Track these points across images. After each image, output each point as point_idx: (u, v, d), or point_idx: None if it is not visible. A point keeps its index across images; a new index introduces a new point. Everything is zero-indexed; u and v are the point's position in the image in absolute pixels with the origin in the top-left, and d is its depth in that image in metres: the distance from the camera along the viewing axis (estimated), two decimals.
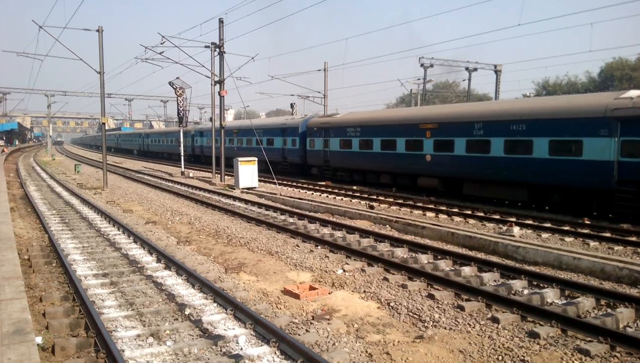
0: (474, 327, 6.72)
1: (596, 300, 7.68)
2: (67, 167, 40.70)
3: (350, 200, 20.08)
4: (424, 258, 10.42)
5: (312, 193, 22.54)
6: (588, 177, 14.99)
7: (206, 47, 26.90)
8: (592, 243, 11.91)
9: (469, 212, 16.31)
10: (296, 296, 7.93)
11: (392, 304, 7.64)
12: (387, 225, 14.15)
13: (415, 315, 7.19)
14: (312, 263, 10.03)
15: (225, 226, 14.15)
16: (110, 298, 7.82)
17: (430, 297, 7.93)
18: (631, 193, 14.07)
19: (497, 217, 15.53)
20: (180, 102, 32.55)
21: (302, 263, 10.08)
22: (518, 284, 8.58)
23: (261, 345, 5.97)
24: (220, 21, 25.90)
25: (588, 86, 60.07)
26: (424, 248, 10.93)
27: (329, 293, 8.18)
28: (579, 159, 15.19)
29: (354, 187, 23.77)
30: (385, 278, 8.93)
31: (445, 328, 6.71)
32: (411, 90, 49.86)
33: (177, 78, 31.83)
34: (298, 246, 11.62)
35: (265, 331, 6.16)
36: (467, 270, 9.47)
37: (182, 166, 34.41)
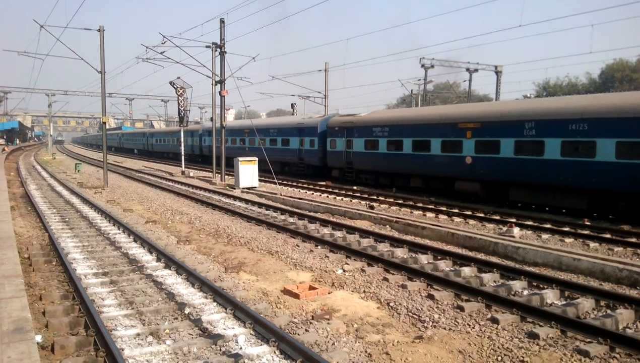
0: (473, 328, 6.72)
1: (596, 301, 7.67)
2: (68, 166, 40.73)
3: (351, 200, 20.08)
4: (424, 259, 10.42)
5: (312, 193, 22.55)
6: None
7: (207, 47, 26.94)
8: (592, 244, 11.91)
9: (469, 213, 16.31)
10: (296, 296, 7.93)
11: (391, 304, 7.64)
12: (387, 226, 14.15)
13: (414, 316, 7.19)
14: (312, 263, 10.04)
15: (226, 225, 14.16)
16: (110, 297, 7.82)
17: (430, 297, 7.93)
18: None
19: (497, 217, 15.53)
20: (181, 101, 32.59)
21: (302, 263, 10.08)
22: (518, 285, 8.58)
23: (261, 345, 5.98)
24: (222, 21, 25.91)
25: (588, 87, 60.08)
26: (424, 249, 10.93)
27: (329, 293, 8.18)
28: None
29: (354, 187, 23.76)
30: (385, 279, 8.93)
31: (444, 328, 6.71)
32: (412, 90, 49.88)
33: (178, 78, 31.89)
34: (298, 246, 11.63)
35: (264, 330, 6.17)
36: (467, 271, 9.47)
37: (183, 165, 34.45)
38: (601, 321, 6.78)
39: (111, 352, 5.39)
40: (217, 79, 26.59)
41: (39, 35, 39.95)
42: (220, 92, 26.72)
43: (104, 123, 26.34)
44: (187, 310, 7.17)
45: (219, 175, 27.37)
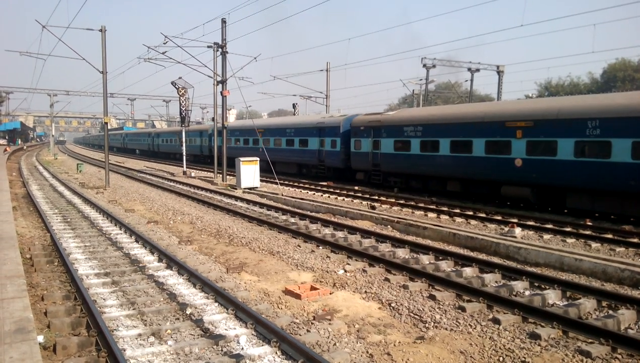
0: (475, 328, 6.71)
1: (597, 301, 7.66)
2: (70, 167, 40.79)
3: (352, 201, 20.08)
4: (426, 259, 10.41)
5: (314, 194, 22.55)
6: None
7: (209, 47, 26.95)
8: (594, 245, 11.89)
9: (471, 213, 16.30)
10: (297, 296, 7.94)
11: (393, 305, 7.63)
12: (389, 226, 14.15)
13: (416, 316, 7.18)
14: (314, 264, 10.04)
15: (227, 226, 14.17)
16: (111, 297, 7.83)
17: (432, 297, 7.93)
18: None
19: (499, 218, 15.51)
20: (183, 101, 32.66)
21: (303, 264, 10.09)
22: (519, 285, 8.58)
23: (262, 345, 5.98)
24: (223, 21, 25.93)
25: (590, 87, 60.00)
26: (426, 249, 10.93)
27: (330, 294, 8.19)
28: None
29: (356, 188, 23.76)
30: (387, 279, 8.93)
31: (446, 329, 6.70)
32: (413, 90, 49.89)
33: (180, 78, 31.98)
34: (299, 246, 11.63)
35: (266, 331, 6.17)
36: (469, 271, 9.47)
37: (184, 166, 34.51)
38: (603, 322, 6.77)
39: (113, 352, 5.40)
40: (219, 79, 26.61)
41: (41, 36, 40.04)
42: (221, 92, 26.75)
43: (106, 123, 26.39)
44: (188, 311, 7.17)
45: (221, 176, 27.39)
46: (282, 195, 20.25)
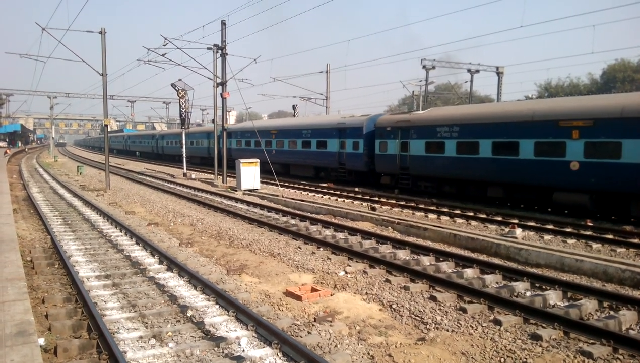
0: (476, 329, 6.71)
1: (599, 302, 7.66)
2: (70, 169, 40.80)
3: (352, 202, 20.08)
4: (426, 260, 10.41)
5: (314, 195, 22.55)
6: None
7: (208, 48, 26.98)
8: (595, 245, 11.88)
9: (471, 214, 16.29)
10: (298, 298, 7.93)
11: (394, 306, 7.63)
12: (389, 227, 14.14)
13: (417, 317, 7.18)
14: (314, 265, 10.03)
15: (227, 228, 14.16)
16: (112, 299, 7.83)
17: (433, 299, 7.92)
18: None
19: (500, 218, 15.50)
20: (183, 103, 32.66)
21: (304, 265, 10.08)
22: (520, 286, 8.57)
23: (263, 347, 5.97)
24: (223, 23, 25.96)
25: (590, 88, 60.02)
26: (426, 250, 10.93)
27: (331, 295, 8.18)
28: None
29: (356, 189, 23.76)
30: (387, 280, 8.93)
31: (447, 330, 6.70)
32: (413, 91, 49.87)
33: (180, 80, 31.96)
34: (300, 248, 11.63)
35: (267, 333, 6.17)
36: (470, 272, 9.46)
37: (185, 167, 34.54)
38: (604, 322, 6.76)
39: (114, 354, 5.40)
40: (219, 80, 26.63)
41: (41, 38, 40.12)
42: (221, 94, 26.77)
43: (106, 125, 26.39)
44: (189, 313, 7.17)
45: (221, 177, 27.39)
46: (283, 196, 20.25)
